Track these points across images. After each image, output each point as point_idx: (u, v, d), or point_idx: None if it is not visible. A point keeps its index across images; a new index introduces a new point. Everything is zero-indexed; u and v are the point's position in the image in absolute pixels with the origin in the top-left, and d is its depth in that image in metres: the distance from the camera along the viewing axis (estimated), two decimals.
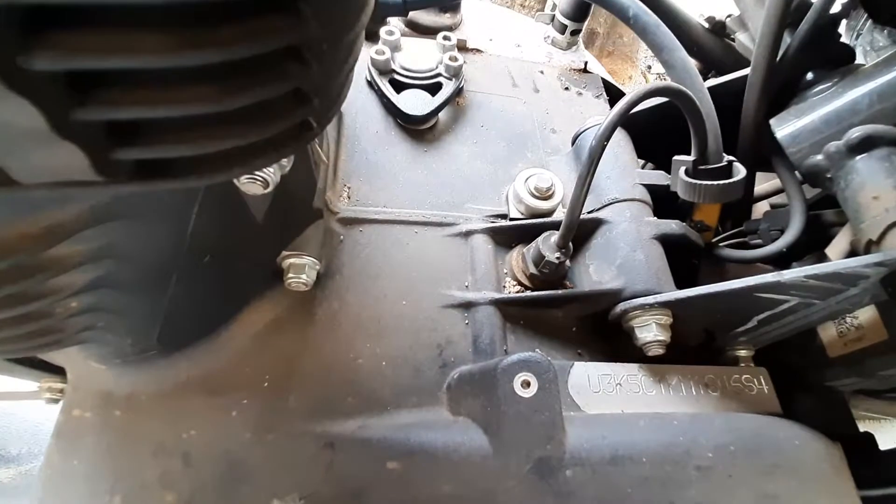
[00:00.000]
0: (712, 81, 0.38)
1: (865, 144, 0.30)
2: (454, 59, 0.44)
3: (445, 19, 0.49)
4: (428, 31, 0.48)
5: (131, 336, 0.31)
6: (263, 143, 0.17)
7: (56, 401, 0.56)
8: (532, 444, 0.26)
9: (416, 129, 0.42)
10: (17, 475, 0.94)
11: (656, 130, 0.41)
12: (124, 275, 0.25)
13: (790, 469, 0.27)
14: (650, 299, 0.32)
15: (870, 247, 0.29)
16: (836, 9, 0.38)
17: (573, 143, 0.43)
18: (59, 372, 0.49)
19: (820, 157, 0.32)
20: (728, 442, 0.27)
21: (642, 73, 1.83)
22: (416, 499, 0.26)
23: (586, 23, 0.54)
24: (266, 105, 0.15)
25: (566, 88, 0.50)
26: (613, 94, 0.53)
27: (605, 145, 0.31)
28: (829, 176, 0.32)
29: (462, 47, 0.49)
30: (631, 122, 0.43)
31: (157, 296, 0.28)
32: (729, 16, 0.48)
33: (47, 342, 0.27)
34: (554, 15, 0.53)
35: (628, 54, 2.33)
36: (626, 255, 0.34)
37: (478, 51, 0.50)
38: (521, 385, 0.27)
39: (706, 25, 0.50)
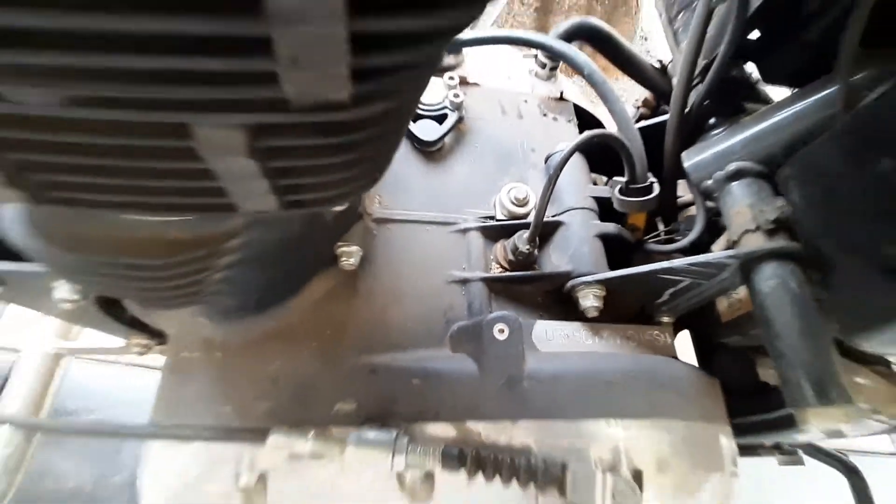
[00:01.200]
0: (643, 123, 0.52)
1: (736, 175, 0.44)
2: (457, 95, 0.57)
3: (450, 59, 0.63)
4: (437, 71, 0.62)
5: (238, 299, 0.45)
6: (363, 184, 0.30)
7: (142, 353, 0.71)
8: (504, 369, 0.41)
9: (428, 151, 0.56)
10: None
11: (614, 155, 0.55)
12: (249, 260, 0.39)
13: (672, 388, 0.42)
14: (590, 278, 0.46)
15: (733, 246, 0.43)
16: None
17: (545, 162, 0.57)
18: (146, 331, 0.63)
19: (710, 181, 0.46)
20: (630, 369, 0.41)
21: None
22: (429, 402, 0.40)
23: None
24: (372, 165, 0.29)
25: (544, 115, 0.64)
26: (583, 117, 0.67)
27: (560, 172, 0.45)
28: (715, 195, 0.46)
29: (463, 82, 0.63)
30: (595, 149, 0.57)
31: (265, 274, 0.42)
32: (671, 61, 0.61)
33: (191, 300, 0.41)
34: (537, 54, 0.66)
35: None
36: (576, 248, 0.48)
37: (476, 84, 0.64)
38: (498, 332, 0.41)
39: (657, 66, 0.64)
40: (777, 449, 0.60)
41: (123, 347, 0.70)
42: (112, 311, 0.58)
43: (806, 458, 0.73)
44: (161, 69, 0.16)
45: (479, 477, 0.37)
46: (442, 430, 0.39)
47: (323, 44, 0.16)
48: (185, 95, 0.18)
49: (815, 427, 0.36)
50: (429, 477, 0.40)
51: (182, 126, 0.20)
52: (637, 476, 0.37)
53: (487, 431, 0.38)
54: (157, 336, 0.66)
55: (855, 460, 1.46)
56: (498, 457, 0.36)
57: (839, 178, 0.33)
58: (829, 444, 0.94)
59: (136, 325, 0.62)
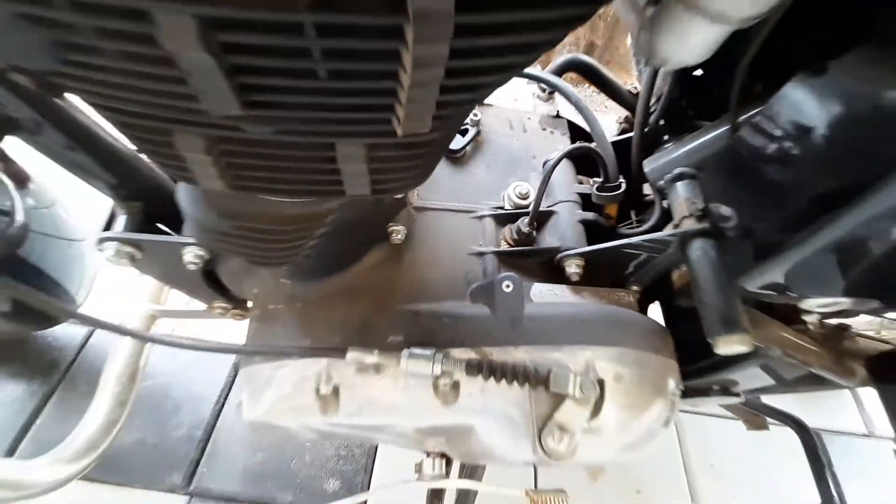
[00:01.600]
0: (618, 137, 0.69)
1: (678, 177, 0.60)
2: (475, 114, 0.75)
3: None
4: None
5: (319, 263, 0.62)
6: (419, 180, 0.47)
7: (221, 315, 0.88)
8: (509, 312, 0.57)
9: (454, 157, 0.73)
10: (151, 385, 1.29)
11: (594, 161, 0.72)
12: (333, 232, 0.55)
13: (630, 328, 0.59)
14: (573, 252, 0.63)
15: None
16: None
17: (543, 166, 0.74)
18: (226, 296, 0.80)
19: (662, 182, 0.63)
20: (599, 313, 0.58)
21: (636, 79, 2.11)
22: (456, 334, 0.57)
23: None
24: (427, 167, 0.46)
25: (543, 129, 0.81)
26: (576, 129, 0.84)
27: (552, 174, 0.62)
28: (666, 192, 0.63)
29: (479, 103, 0.80)
30: (579, 157, 0.74)
31: (340, 243, 0.59)
32: None
33: (289, 260, 0.58)
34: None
35: (624, 63, 2.60)
36: (564, 230, 0.65)
37: (490, 105, 0.81)
38: (505, 286, 0.58)
39: (633, 92, 0.80)
40: (724, 391, 0.76)
41: (206, 311, 0.88)
42: (208, 278, 0.76)
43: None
44: (332, 118, 0.33)
45: (491, 381, 0.53)
46: (465, 353, 0.56)
47: (422, 111, 0.33)
48: (341, 129, 0.35)
49: (723, 350, 0.52)
50: (456, 385, 0.56)
51: (332, 144, 0.38)
52: (600, 384, 0.54)
53: (496, 353, 0.55)
54: (234, 302, 0.83)
55: (828, 440, 1.61)
56: (504, 367, 0.53)
57: (723, 181, 0.49)
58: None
59: (220, 291, 0.80)
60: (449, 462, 0.72)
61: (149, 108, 0.33)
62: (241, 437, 1.26)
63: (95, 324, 0.61)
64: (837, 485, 1.54)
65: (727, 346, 0.52)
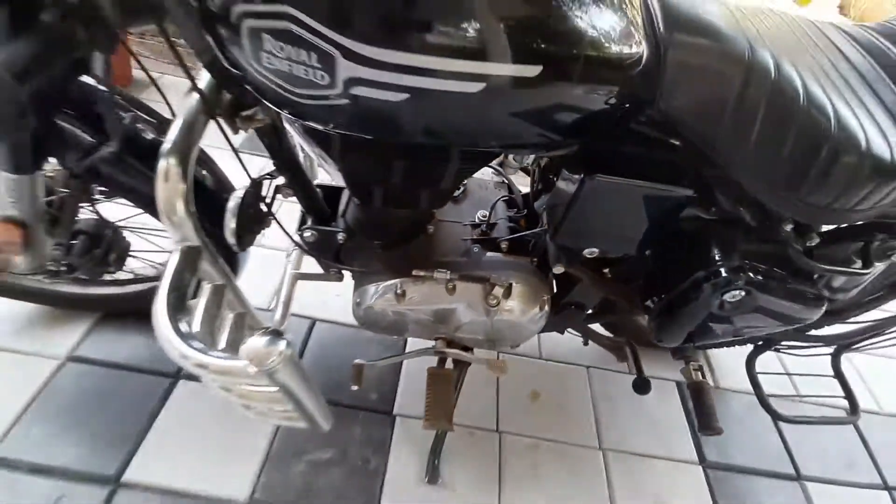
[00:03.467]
0: (523, 192, 1.58)
1: (545, 210, 1.49)
2: (465, 183, 1.64)
3: None
4: None
5: (396, 240, 1.45)
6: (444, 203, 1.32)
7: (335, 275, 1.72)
8: (477, 259, 1.43)
9: (455, 199, 1.62)
10: None
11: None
12: (407, 226, 1.40)
13: (523, 268, 1.45)
14: (503, 238, 1.49)
15: None
16: None
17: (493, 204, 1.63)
18: (337, 266, 1.65)
19: (541, 211, 1.51)
20: (511, 260, 1.44)
21: None
22: (457, 267, 1.43)
23: None
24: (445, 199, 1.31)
25: (496, 189, 1.71)
26: (511, 189, 1.74)
27: (494, 206, 1.50)
28: (542, 215, 1.50)
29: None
30: (511, 201, 1.63)
31: (410, 230, 1.43)
32: None
33: (388, 237, 1.41)
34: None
35: None
36: (500, 231, 1.52)
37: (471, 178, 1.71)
38: (476, 250, 1.44)
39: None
40: (577, 307, 1.60)
41: (325, 274, 1.71)
42: (335, 255, 1.60)
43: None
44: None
45: (469, 283, 1.38)
46: (458, 273, 1.41)
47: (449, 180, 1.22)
48: None
49: (556, 271, 1.37)
50: (454, 287, 1.41)
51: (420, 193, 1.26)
52: (510, 284, 1.40)
53: (470, 273, 1.41)
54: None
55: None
56: (474, 276, 1.38)
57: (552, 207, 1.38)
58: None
59: (337, 262, 1.63)
60: (450, 344, 1.57)
61: None
62: (321, 371, 2.04)
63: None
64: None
65: (556, 269, 1.37)
